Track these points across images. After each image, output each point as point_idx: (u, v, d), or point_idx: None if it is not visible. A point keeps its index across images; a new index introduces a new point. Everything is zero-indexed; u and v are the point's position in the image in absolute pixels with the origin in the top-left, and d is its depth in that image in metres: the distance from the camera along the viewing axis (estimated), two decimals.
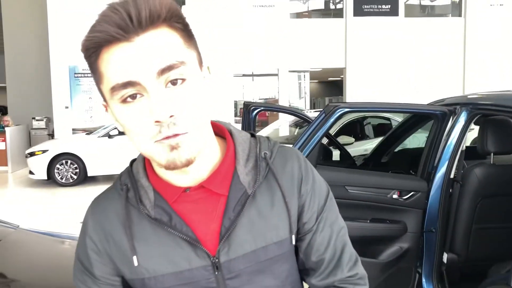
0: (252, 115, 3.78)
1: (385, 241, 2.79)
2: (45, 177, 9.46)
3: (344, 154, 4.46)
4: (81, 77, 12.35)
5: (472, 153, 3.04)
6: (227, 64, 12.27)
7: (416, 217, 2.76)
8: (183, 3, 12.41)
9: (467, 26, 13.71)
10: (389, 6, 13.45)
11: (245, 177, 0.87)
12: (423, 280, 2.79)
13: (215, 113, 0.83)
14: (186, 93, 0.75)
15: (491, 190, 2.70)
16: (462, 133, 2.73)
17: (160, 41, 0.74)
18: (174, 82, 0.75)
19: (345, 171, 3.03)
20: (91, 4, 11.28)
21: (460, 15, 13.98)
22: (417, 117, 3.53)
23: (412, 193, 2.75)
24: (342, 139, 6.90)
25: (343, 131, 8.01)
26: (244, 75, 18.00)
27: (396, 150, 4.06)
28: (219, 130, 0.92)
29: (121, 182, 0.90)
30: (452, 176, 2.74)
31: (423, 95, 10.52)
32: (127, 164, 0.93)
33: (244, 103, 3.90)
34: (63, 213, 7.40)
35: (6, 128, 11.61)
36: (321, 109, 3.11)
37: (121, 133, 9.38)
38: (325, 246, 0.92)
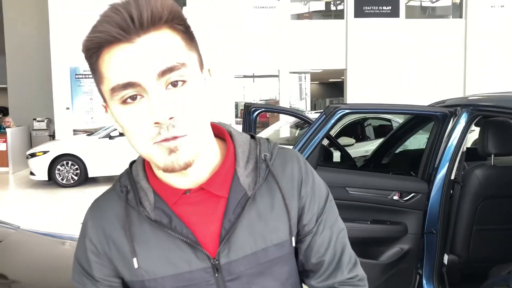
0: (253, 116, 3.78)
1: (386, 243, 2.79)
2: (46, 178, 9.46)
3: (345, 155, 4.46)
4: (82, 78, 12.37)
5: (473, 155, 3.04)
6: (227, 64, 12.28)
7: (417, 218, 2.76)
8: (184, 4, 12.42)
9: (468, 28, 13.71)
10: (390, 7, 13.46)
11: (245, 179, 0.87)
12: (424, 281, 2.78)
13: (215, 114, 0.83)
14: (187, 95, 0.75)
15: (491, 191, 2.70)
16: (463, 134, 2.73)
17: (161, 42, 0.74)
18: (174, 84, 0.75)
19: (345, 172, 3.03)
20: (92, 5, 11.30)
21: (461, 17, 13.98)
22: (417, 119, 3.53)
23: (412, 194, 2.75)
24: (343, 141, 6.92)
25: (343, 132, 8.02)
26: (245, 76, 18.01)
27: (397, 151, 4.06)
28: (219, 132, 0.92)
29: (120, 183, 0.90)
30: (452, 177, 2.74)
31: (424, 96, 10.53)
32: (128, 166, 0.93)
33: (245, 104, 3.90)
34: (63, 214, 7.40)
35: (7, 129, 11.62)
36: (322, 111, 3.11)
37: (121, 134, 9.38)
38: (325, 248, 0.92)
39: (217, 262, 0.84)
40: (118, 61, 0.73)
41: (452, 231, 2.75)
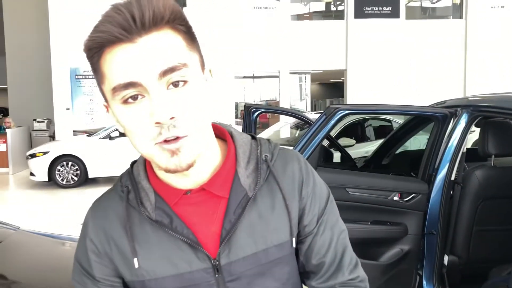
0: (253, 117, 3.78)
1: (386, 243, 2.79)
2: (46, 179, 9.46)
3: (345, 156, 4.46)
4: (82, 78, 12.38)
5: (473, 155, 3.04)
6: (227, 64, 12.29)
7: (417, 219, 2.76)
8: (184, 5, 12.43)
9: (468, 28, 13.72)
10: (390, 8, 13.47)
11: (246, 179, 0.87)
12: (424, 282, 2.78)
13: (215, 114, 0.83)
14: (188, 95, 0.75)
15: (492, 192, 2.70)
16: (463, 135, 2.73)
17: (163, 42, 0.74)
18: (176, 84, 0.75)
19: (346, 173, 3.03)
20: (92, 6, 11.31)
21: (461, 17, 13.99)
22: (418, 119, 3.53)
23: (413, 195, 2.75)
24: (343, 141, 6.92)
25: (344, 133, 8.02)
26: (245, 77, 18.01)
27: (397, 152, 4.06)
28: (220, 132, 0.92)
29: (121, 184, 0.90)
30: (453, 178, 2.74)
31: (424, 97, 10.53)
32: (128, 166, 0.93)
33: (245, 105, 3.90)
34: (63, 215, 7.40)
35: (7, 130, 11.62)
36: (322, 111, 3.11)
37: (122, 135, 9.42)
38: (326, 249, 0.92)
39: (217, 262, 0.84)
40: (120, 61, 0.73)
41: (452, 232, 2.75)
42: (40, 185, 9.78)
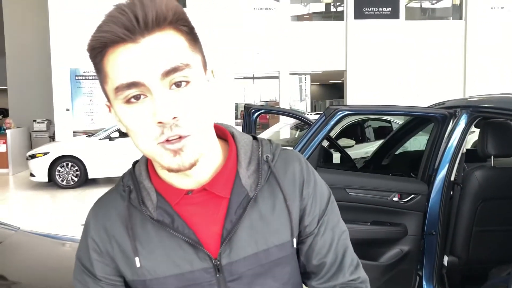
0: (253, 118, 3.78)
1: (386, 244, 2.79)
2: (46, 179, 9.46)
3: (345, 156, 4.46)
4: (82, 79, 12.38)
5: (473, 156, 3.04)
6: (227, 64, 12.29)
7: (417, 219, 2.76)
8: (184, 5, 12.44)
9: (468, 29, 13.72)
10: (390, 9, 13.47)
11: (247, 180, 0.87)
12: (424, 283, 2.78)
13: (215, 115, 0.84)
14: (190, 96, 0.76)
15: (491, 192, 2.70)
16: (463, 135, 2.73)
17: (165, 43, 0.74)
18: (178, 84, 0.75)
19: (345, 174, 3.03)
20: (92, 6, 11.31)
21: (461, 18, 14.00)
22: (417, 120, 3.53)
23: (412, 195, 2.75)
24: (343, 142, 6.92)
25: (344, 133, 8.02)
26: (245, 78, 18.02)
27: (397, 152, 4.06)
28: (221, 133, 0.92)
29: (123, 183, 0.90)
30: (452, 178, 2.74)
31: (423, 98, 10.54)
32: (128, 167, 0.94)
33: (244, 106, 3.90)
34: (63, 215, 7.41)
35: (7, 131, 11.62)
36: (322, 112, 3.12)
37: (122, 136, 9.44)
38: (327, 249, 0.92)
39: (218, 262, 0.85)
40: (123, 61, 0.74)
41: (452, 233, 2.75)
42: (40, 185, 9.78)
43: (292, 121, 9.94)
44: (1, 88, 15.59)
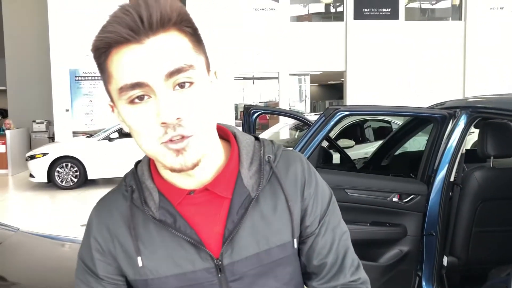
0: (252, 118, 3.78)
1: (385, 244, 2.79)
2: (45, 180, 9.45)
3: (344, 157, 4.46)
4: (81, 80, 12.38)
5: (472, 157, 3.04)
6: (227, 65, 12.29)
7: (416, 220, 2.76)
8: (184, 5, 12.45)
9: (467, 30, 13.74)
10: (390, 9, 13.48)
11: (249, 180, 0.87)
12: (423, 283, 2.78)
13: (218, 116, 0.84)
14: (194, 97, 0.76)
15: (491, 193, 2.70)
16: (462, 136, 2.74)
17: (170, 44, 0.75)
18: (182, 85, 0.75)
19: (345, 174, 3.03)
20: (92, 6, 11.32)
21: (460, 19, 14.01)
22: (417, 120, 3.53)
23: (412, 196, 2.75)
24: (343, 142, 6.92)
25: (343, 134, 8.02)
26: (244, 78, 18.03)
27: (396, 153, 4.07)
28: (224, 133, 0.93)
29: (126, 183, 0.91)
30: (452, 179, 2.75)
31: (423, 98, 10.55)
32: (127, 167, 0.94)
33: (244, 106, 3.91)
34: (63, 216, 7.41)
35: (6, 131, 11.61)
36: (321, 112, 3.12)
37: (121, 136, 9.44)
38: (328, 250, 0.92)
39: (220, 262, 0.85)
40: (127, 62, 0.74)
41: (452, 233, 2.75)
42: (40, 186, 9.77)
43: (291, 121, 9.94)
44: (0, 89, 15.58)
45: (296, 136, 9.78)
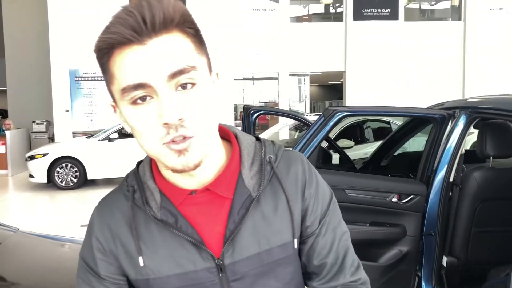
0: (252, 119, 3.79)
1: (385, 245, 2.79)
2: (45, 181, 9.45)
3: (344, 157, 4.47)
4: (81, 80, 12.38)
5: (471, 157, 3.04)
6: (227, 65, 12.29)
7: (416, 220, 2.76)
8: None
9: (467, 30, 13.74)
10: (389, 10, 13.49)
11: (250, 180, 0.88)
12: (423, 283, 2.79)
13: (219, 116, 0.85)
14: (196, 98, 0.76)
15: (490, 193, 2.70)
16: (461, 136, 2.74)
17: (172, 45, 0.75)
18: (184, 86, 0.76)
19: (344, 175, 3.03)
20: (92, 7, 11.31)
21: (459, 19, 14.01)
22: (416, 121, 3.54)
23: (411, 196, 2.76)
24: (342, 143, 6.92)
25: (343, 134, 8.02)
26: (244, 79, 18.04)
27: (396, 153, 4.07)
28: (225, 134, 0.93)
29: (127, 183, 0.91)
30: (451, 179, 2.75)
31: (422, 99, 10.54)
32: (127, 168, 0.94)
33: (244, 107, 3.91)
34: (63, 216, 7.41)
35: (6, 132, 11.61)
36: (321, 113, 3.12)
37: (121, 137, 9.44)
38: (328, 250, 0.93)
39: (221, 262, 0.86)
40: (130, 62, 0.74)
41: (451, 233, 2.76)
42: (39, 187, 9.77)
43: (291, 122, 9.94)
44: (0, 89, 15.58)
45: (295, 137, 9.78)
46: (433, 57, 13.59)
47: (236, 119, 14.09)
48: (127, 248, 0.87)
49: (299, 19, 14.57)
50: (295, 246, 0.90)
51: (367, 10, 13.43)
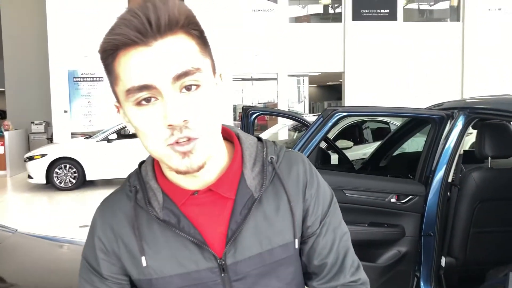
0: (251, 119, 3.79)
1: (383, 245, 2.79)
2: (44, 181, 9.45)
3: (343, 158, 4.47)
4: (80, 81, 12.38)
5: (470, 157, 3.05)
6: (226, 65, 12.30)
7: (414, 221, 2.77)
8: None
9: (466, 31, 13.77)
10: (388, 10, 13.50)
11: (252, 181, 0.88)
12: (421, 284, 2.79)
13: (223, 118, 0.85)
14: (200, 99, 0.77)
15: (488, 194, 2.71)
16: (460, 137, 2.74)
17: (177, 47, 0.75)
18: (188, 88, 0.76)
19: (343, 175, 3.03)
20: (91, 7, 11.31)
21: (458, 20, 14.04)
22: (415, 121, 3.54)
23: (410, 197, 2.76)
24: (341, 143, 6.92)
25: (341, 135, 8.03)
26: (243, 79, 18.03)
27: (395, 154, 4.07)
28: (227, 134, 0.94)
29: (130, 183, 0.91)
30: (450, 180, 2.75)
31: (421, 99, 10.56)
32: (126, 168, 0.95)
33: (243, 107, 3.91)
34: (61, 217, 7.40)
35: (5, 132, 11.60)
36: (320, 113, 3.12)
37: (120, 138, 9.44)
38: (328, 250, 0.93)
39: (223, 262, 0.86)
40: (135, 64, 0.75)
41: (450, 234, 2.76)
42: (38, 187, 9.76)
43: (290, 122, 9.95)
44: None
45: (294, 137, 9.78)
46: (432, 57, 13.61)
47: (235, 119, 14.09)
48: (129, 248, 0.87)
49: (298, 19, 14.58)
50: (296, 246, 0.91)
51: (366, 11, 13.44)
